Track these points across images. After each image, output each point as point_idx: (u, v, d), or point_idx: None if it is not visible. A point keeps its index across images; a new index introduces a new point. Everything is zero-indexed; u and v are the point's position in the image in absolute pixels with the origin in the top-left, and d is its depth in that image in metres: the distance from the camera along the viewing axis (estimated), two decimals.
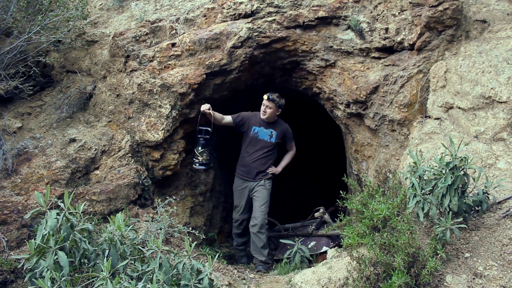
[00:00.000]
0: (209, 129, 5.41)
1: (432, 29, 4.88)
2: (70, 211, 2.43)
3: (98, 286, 2.16)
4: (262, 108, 5.56)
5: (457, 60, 4.69)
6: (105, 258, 2.40)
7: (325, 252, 4.83)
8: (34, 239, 2.36)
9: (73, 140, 5.19)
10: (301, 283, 3.51)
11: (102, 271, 2.26)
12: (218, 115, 5.45)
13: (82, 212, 2.66)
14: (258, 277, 4.57)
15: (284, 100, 5.61)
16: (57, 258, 2.22)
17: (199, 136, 5.47)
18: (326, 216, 5.63)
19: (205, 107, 5.29)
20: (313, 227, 5.63)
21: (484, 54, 4.54)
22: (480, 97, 4.37)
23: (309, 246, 5.24)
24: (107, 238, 2.50)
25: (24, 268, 2.33)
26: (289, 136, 5.81)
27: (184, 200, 5.92)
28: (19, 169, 4.83)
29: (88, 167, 5.09)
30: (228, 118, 5.58)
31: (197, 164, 5.48)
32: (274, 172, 5.63)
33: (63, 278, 2.17)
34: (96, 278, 2.25)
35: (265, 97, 5.54)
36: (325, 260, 3.93)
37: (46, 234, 2.24)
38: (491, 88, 4.30)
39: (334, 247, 4.87)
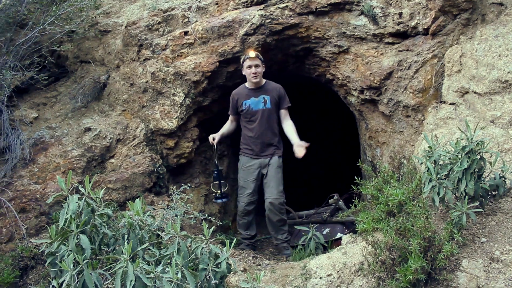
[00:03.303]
0: (215, 160, 5.30)
1: (447, 13, 4.82)
2: (91, 196, 2.47)
3: (119, 268, 2.20)
4: (250, 70, 4.99)
5: (473, 44, 4.63)
6: (125, 242, 2.45)
7: (340, 238, 4.84)
8: (55, 224, 2.41)
9: (88, 129, 5.26)
10: (316, 268, 3.53)
11: (122, 253, 2.30)
12: (225, 130, 5.32)
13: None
14: (273, 263, 4.60)
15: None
16: (78, 242, 2.27)
17: (213, 170, 5.42)
18: (341, 203, 5.64)
19: (210, 139, 5.23)
20: (327, 213, 5.64)
21: (501, 38, 4.48)
22: (496, 81, 4.31)
23: (324, 232, 5.25)
24: (126, 223, 2.54)
25: (46, 253, 2.39)
26: (283, 95, 5.13)
27: (198, 188, 5.96)
28: (36, 159, 4.91)
29: (103, 155, 5.15)
30: (231, 119, 5.36)
31: (220, 200, 5.32)
32: (301, 153, 4.83)
33: (85, 261, 2.22)
34: (116, 261, 2.30)
35: (251, 54, 4.93)
36: (340, 246, 3.94)
37: (68, 218, 2.29)
38: (508, 72, 4.24)
39: (348, 233, 4.88)
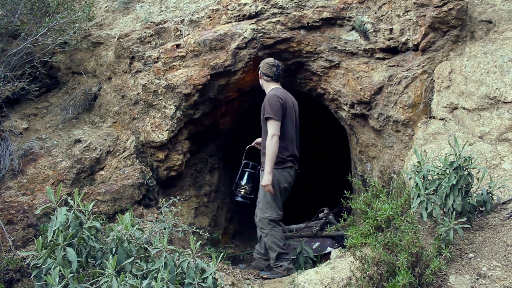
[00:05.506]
0: (257, 164, 5.07)
1: (436, 30, 4.88)
2: (79, 208, 2.46)
3: (104, 283, 2.18)
4: None
5: (462, 60, 4.68)
6: (112, 256, 2.43)
7: (330, 253, 4.83)
8: (42, 237, 2.39)
9: (78, 141, 5.23)
10: (304, 283, 3.51)
11: (108, 268, 2.29)
12: None
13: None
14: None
15: (266, 61, 4.75)
16: (65, 254, 2.24)
17: (245, 169, 5.14)
18: (331, 217, 5.63)
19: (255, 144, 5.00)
20: (317, 227, 5.63)
21: (489, 54, 4.54)
22: (485, 97, 4.36)
23: (314, 246, 5.24)
24: (115, 237, 2.52)
25: (31, 265, 2.36)
26: (265, 105, 4.48)
27: (188, 200, 5.94)
28: (25, 170, 4.87)
29: (93, 167, 5.12)
30: None
31: (240, 197, 5.04)
32: (267, 189, 4.45)
33: (71, 275, 2.19)
34: (102, 275, 2.28)
35: None
36: (328, 260, 3.93)
37: (55, 230, 2.27)
38: (496, 89, 4.29)
39: (338, 247, 4.86)
